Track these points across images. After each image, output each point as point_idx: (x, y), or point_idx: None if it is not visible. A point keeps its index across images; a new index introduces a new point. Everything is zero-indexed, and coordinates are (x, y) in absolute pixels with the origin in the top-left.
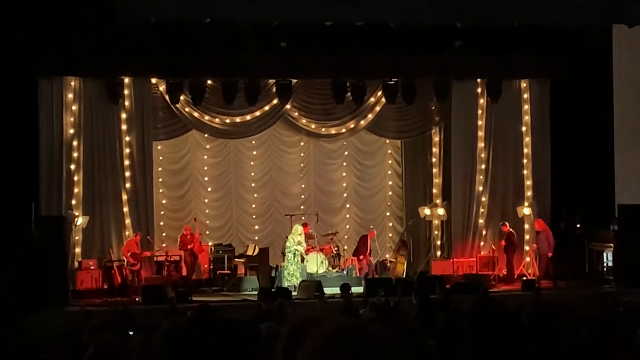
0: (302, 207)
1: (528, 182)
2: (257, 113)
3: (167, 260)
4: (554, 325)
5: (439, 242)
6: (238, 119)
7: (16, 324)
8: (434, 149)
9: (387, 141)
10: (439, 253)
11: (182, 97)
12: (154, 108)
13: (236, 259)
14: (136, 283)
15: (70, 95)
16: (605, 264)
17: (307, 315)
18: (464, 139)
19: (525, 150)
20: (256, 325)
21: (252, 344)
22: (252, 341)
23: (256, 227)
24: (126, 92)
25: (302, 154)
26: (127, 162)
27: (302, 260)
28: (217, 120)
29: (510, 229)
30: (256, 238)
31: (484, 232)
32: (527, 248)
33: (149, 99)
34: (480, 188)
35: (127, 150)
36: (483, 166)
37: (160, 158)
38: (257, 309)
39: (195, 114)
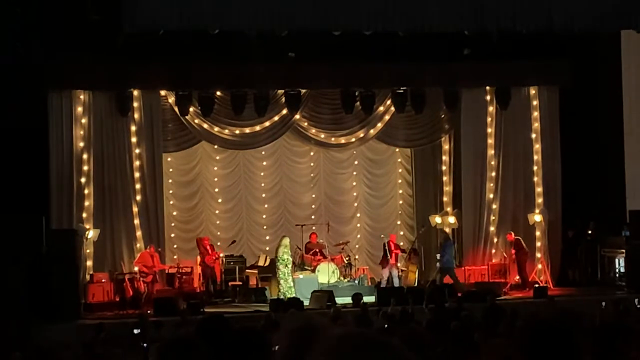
0: (312, 217)
1: (538, 189)
2: (267, 123)
3: (178, 272)
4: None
5: None
6: (247, 130)
7: (26, 338)
8: (444, 157)
9: (397, 150)
10: None
11: (191, 109)
12: (164, 120)
13: (248, 270)
14: (150, 295)
15: (80, 109)
16: (617, 270)
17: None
18: (473, 147)
19: (535, 157)
20: (266, 336)
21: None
22: (261, 351)
23: (267, 237)
24: (135, 104)
25: (312, 164)
26: (137, 175)
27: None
28: (226, 131)
29: (517, 237)
30: (267, 248)
31: (495, 240)
32: (538, 255)
33: (158, 111)
34: (491, 196)
35: (137, 163)
36: (493, 174)
37: (170, 170)
38: (267, 320)
39: (205, 126)
